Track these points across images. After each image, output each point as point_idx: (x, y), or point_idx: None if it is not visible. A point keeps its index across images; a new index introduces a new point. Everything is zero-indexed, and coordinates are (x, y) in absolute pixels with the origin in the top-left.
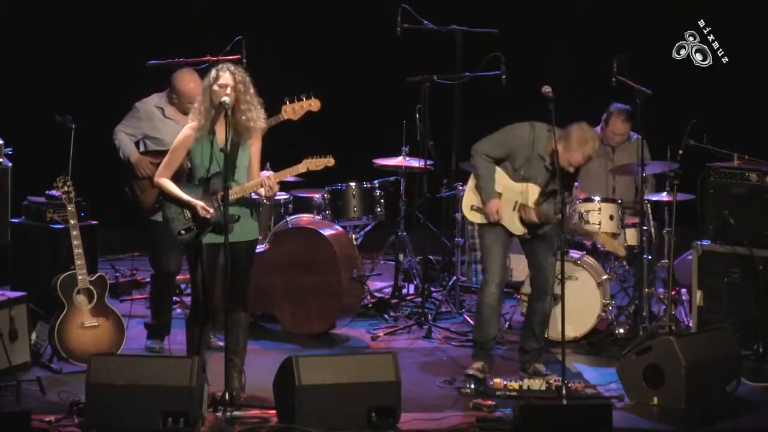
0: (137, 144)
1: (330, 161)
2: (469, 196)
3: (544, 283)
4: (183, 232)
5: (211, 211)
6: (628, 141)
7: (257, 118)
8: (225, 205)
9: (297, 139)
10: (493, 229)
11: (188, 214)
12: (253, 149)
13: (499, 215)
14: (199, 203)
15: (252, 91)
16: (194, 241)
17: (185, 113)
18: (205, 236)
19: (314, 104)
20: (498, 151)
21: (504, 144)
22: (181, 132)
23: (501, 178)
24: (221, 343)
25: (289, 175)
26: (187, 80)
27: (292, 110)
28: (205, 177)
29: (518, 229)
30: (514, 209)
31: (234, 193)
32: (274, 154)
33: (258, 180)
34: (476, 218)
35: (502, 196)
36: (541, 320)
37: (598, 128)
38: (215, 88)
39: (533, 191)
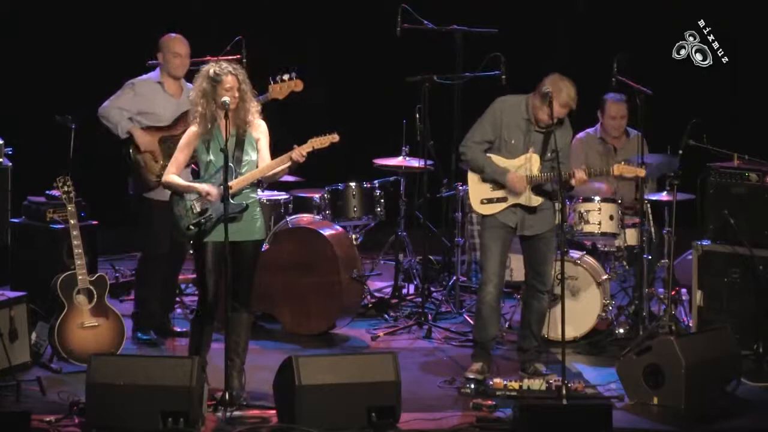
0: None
1: (335, 137)
2: (476, 191)
3: (540, 281)
4: (192, 227)
5: (214, 190)
6: (628, 138)
7: (254, 110)
8: (225, 205)
9: (297, 139)
10: (492, 229)
11: (196, 208)
12: (260, 144)
13: (524, 181)
14: (203, 186)
15: (248, 83)
16: (201, 235)
17: (173, 76)
18: (212, 233)
19: (297, 84)
20: (487, 130)
21: (487, 121)
22: (187, 132)
23: (499, 163)
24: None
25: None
26: (172, 38)
27: (279, 90)
28: (213, 172)
29: (535, 200)
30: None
31: (240, 182)
32: (274, 155)
33: (282, 157)
34: (490, 210)
35: None
36: (538, 318)
37: (597, 126)
38: (221, 91)
39: (534, 160)
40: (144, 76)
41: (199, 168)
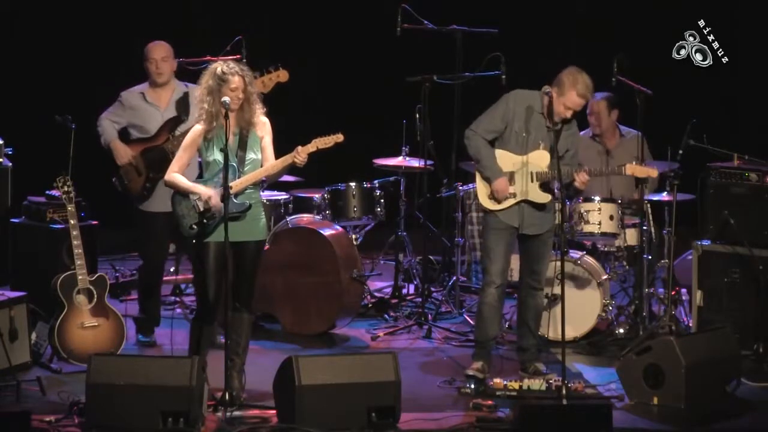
0: (125, 132)
1: (339, 137)
2: (483, 186)
3: (535, 279)
4: (195, 226)
5: (216, 196)
6: (621, 137)
7: (259, 111)
8: (225, 204)
9: (297, 139)
10: (496, 230)
11: (199, 207)
12: (264, 142)
13: (507, 191)
14: (205, 190)
15: (253, 83)
16: (204, 235)
17: (154, 83)
18: (214, 233)
19: (282, 75)
20: (496, 121)
21: (499, 111)
22: (192, 131)
23: (506, 158)
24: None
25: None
26: (152, 45)
27: (262, 83)
28: (216, 171)
29: (543, 197)
30: (532, 180)
31: (243, 182)
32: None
33: (286, 157)
34: (497, 205)
35: (515, 174)
36: (535, 315)
37: (589, 128)
38: (226, 90)
39: (542, 156)
40: (132, 88)
41: (201, 167)
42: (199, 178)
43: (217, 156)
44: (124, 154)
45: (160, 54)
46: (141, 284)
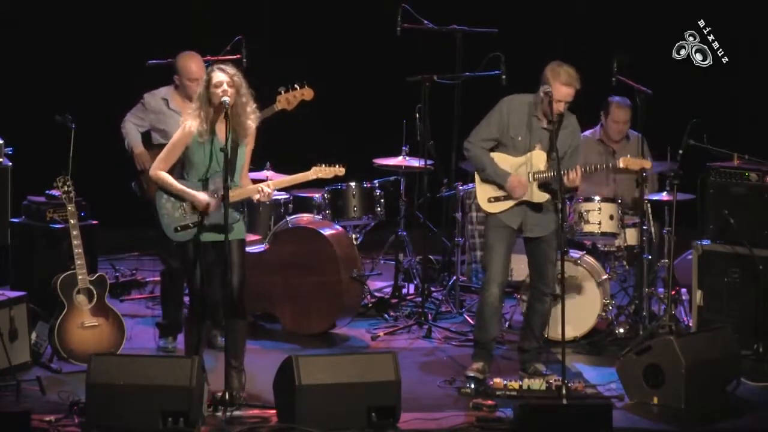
0: (148, 134)
1: (341, 171)
2: (482, 191)
3: (544, 283)
4: (179, 229)
5: (213, 202)
6: (627, 140)
7: (252, 116)
8: (225, 204)
9: (297, 139)
10: (496, 228)
11: (185, 209)
12: (247, 149)
13: (524, 184)
14: (200, 195)
15: (246, 88)
16: (192, 239)
17: (189, 98)
18: (202, 235)
19: (307, 93)
20: (493, 129)
21: (494, 120)
22: (181, 128)
23: (504, 160)
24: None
25: (297, 181)
26: (188, 60)
27: (286, 100)
28: (205, 176)
29: (542, 197)
30: (530, 181)
31: (233, 196)
32: (274, 155)
33: (255, 186)
34: (497, 208)
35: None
36: (541, 320)
37: (598, 127)
38: (212, 89)
39: (540, 156)
40: (156, 90)
41: (184, 168)
42: (180, 178)
43: (207, 160)
44: (146, 161)
45: (202, 72)
46: (162, 289)
